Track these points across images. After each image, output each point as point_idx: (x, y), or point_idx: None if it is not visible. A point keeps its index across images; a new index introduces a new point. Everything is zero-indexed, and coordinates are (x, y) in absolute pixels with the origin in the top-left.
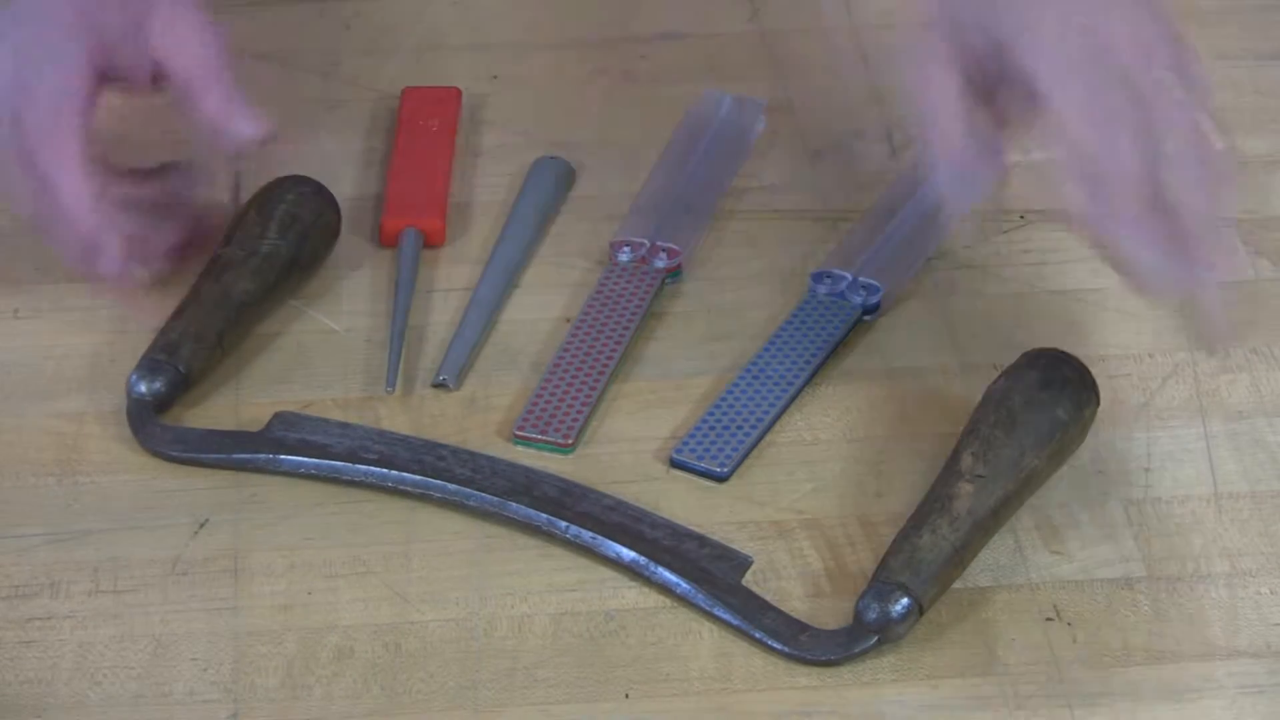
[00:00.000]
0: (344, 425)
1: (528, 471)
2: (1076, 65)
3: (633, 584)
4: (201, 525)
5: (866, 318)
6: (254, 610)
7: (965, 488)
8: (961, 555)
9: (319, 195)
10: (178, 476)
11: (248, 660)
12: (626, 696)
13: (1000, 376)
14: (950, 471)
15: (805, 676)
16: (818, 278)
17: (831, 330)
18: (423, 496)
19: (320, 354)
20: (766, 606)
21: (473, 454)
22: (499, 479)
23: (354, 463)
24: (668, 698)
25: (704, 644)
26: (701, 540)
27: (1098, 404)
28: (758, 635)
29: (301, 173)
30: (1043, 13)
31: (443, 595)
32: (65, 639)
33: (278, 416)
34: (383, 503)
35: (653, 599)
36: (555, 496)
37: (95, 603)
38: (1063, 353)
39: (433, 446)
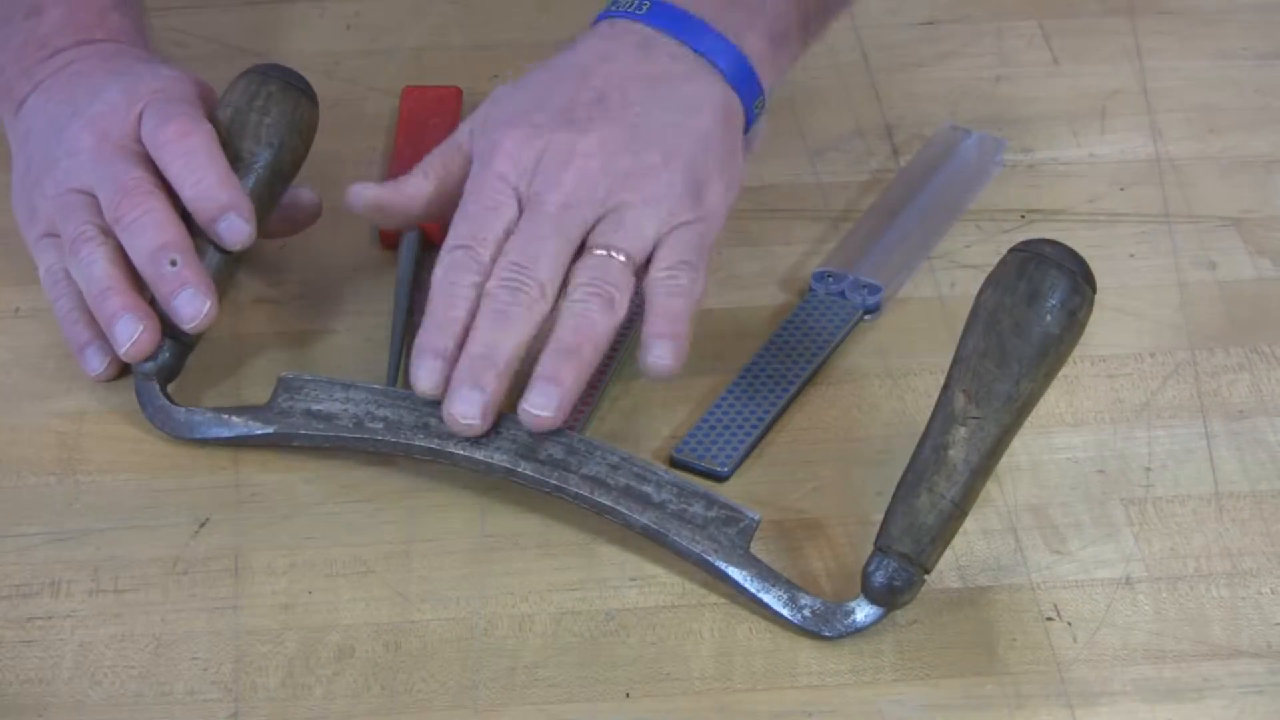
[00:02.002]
0: (347, 387)
1: (530, 431)
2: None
3: (633, 583)
4: (202, 524)
5: (867, 317)
6: (254, 609)
7: (959, 432)
8: (961, 508)
9: (287, 92)
10: (178, 475)
11: (248, 659)
12: (627, 696)
13: (987, 284)
14: (943, 414)
15: (806, 676)
16: (818, 277)
17: (832, 330)
18: (430, 460)
19: (321, 353)
20: (777, 576)
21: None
22: (504, 440)
23: (360, 433)
24: (668, 697)
25: (704, 644)
26: (709, 500)
27: (1093, 294)
28: (767, 601)
29: (302, 173)
30: (509, 134)
31: (443, 594)
32: (66, 638)
33: (282, 382)
34: (384, 501)
35: (653, 598)
36: (561, 458)
37: (96, 602)
38: (1052, 245)
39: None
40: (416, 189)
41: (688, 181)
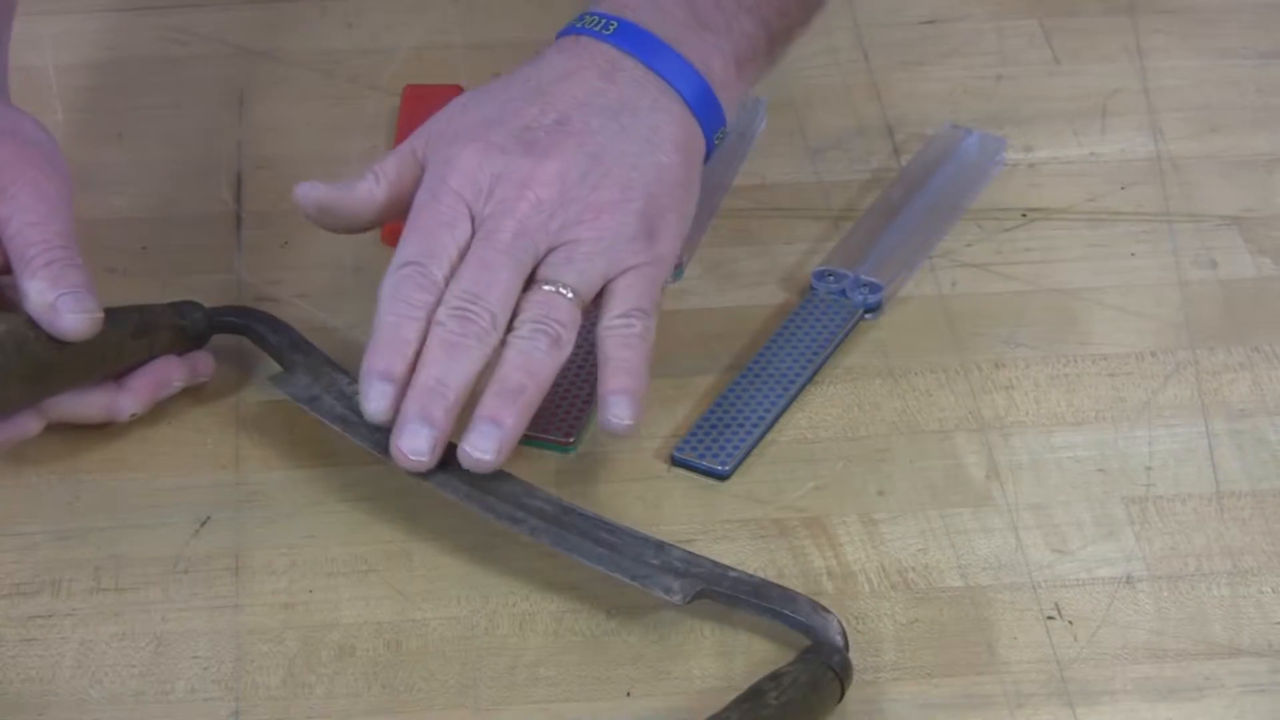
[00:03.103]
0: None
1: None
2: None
3: (634, 581)
4: (203, 523)
5: (868, 316)
6: (255, 608)
7: None
8: None
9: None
10: (179, 474)
11: (249, 658)
12: (628, 695)
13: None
14: None
15: None
16: (819, 276)
17: (833, 329)
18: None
19: None
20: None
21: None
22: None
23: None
24: (669, 696)
25: (705, 642)
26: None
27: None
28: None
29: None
30: (466, 150)
31: (444, 593)
32: (67, 637)
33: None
34: (384, 500)
35: (654, 597)
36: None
37: (97, 601)
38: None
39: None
40: (368, 194)
41: (642, 221)
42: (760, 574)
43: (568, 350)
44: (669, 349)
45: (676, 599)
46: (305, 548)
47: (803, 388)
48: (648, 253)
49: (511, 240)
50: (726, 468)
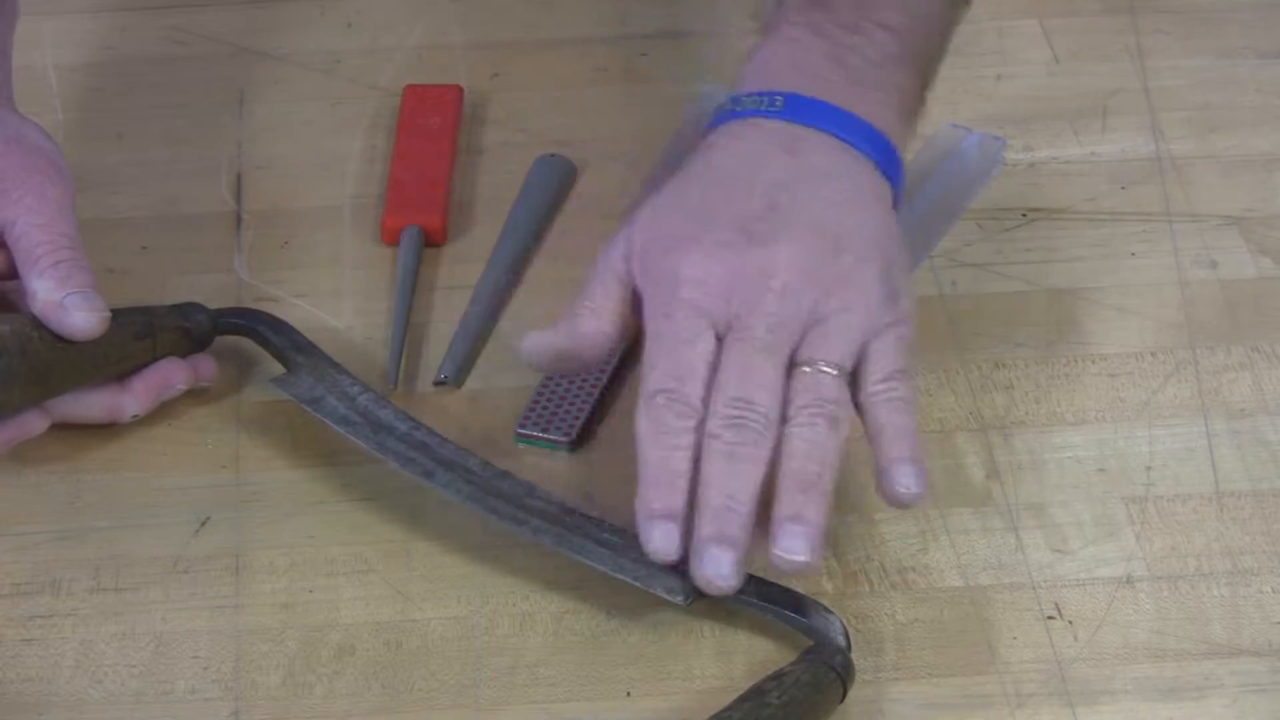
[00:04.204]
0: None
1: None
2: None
3: (634, 581)
4: (203, 523)
5: None
6: (255, 608)
7: None
8: None
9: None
10: (179, 474)
11: (249, 658)
12: (628, 695)
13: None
14: None
15: None
16: None
17: None
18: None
19: None
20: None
21: (465, 457)
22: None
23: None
24: (669, 696)
25: (705, 642)
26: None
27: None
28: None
29: (303, 172)
30: (688, 258)
31: (444, 593)
32: (67, 637)
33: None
34: (384, 500)
35: (654, 597)
36: (556, 515)
37: (97, 600)
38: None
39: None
40: (597, 332)
41: (884, 280)
42: (760, 574)
43: (845, 429)
44: None
45: (679, 599)
46: (305, 548)
47: None
48: (895, 312)
49: (767, 335)
50: None
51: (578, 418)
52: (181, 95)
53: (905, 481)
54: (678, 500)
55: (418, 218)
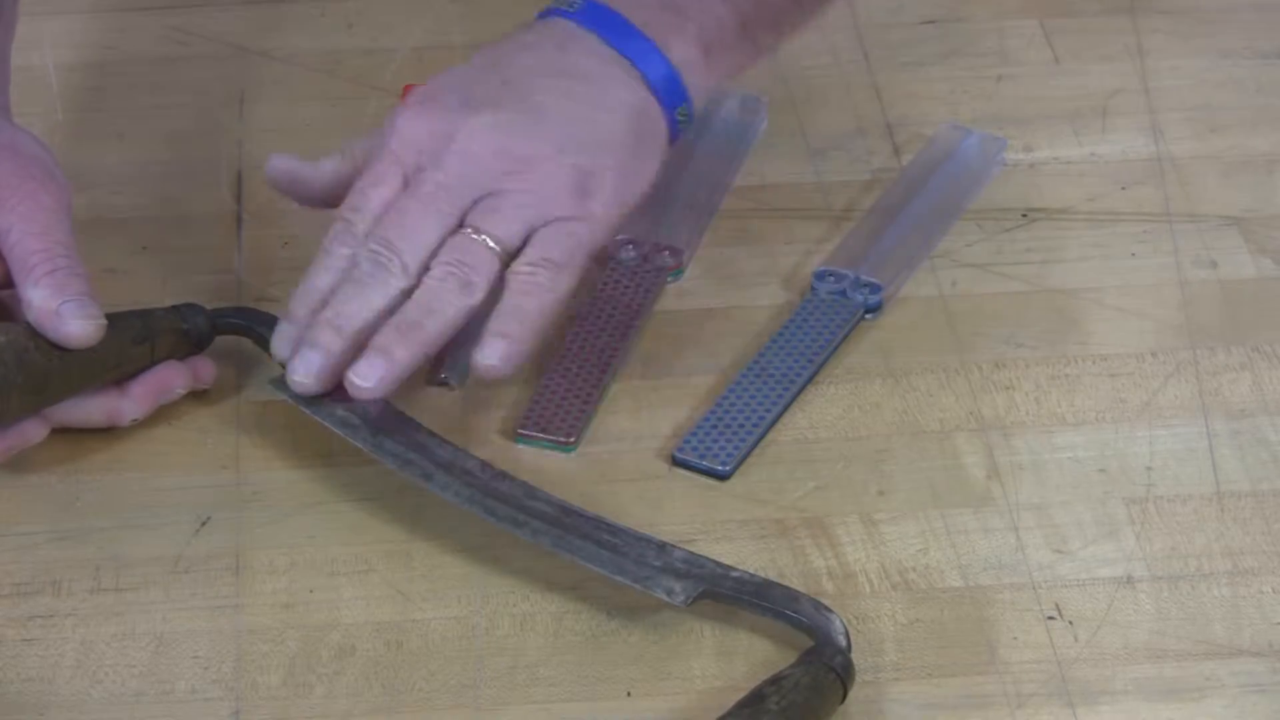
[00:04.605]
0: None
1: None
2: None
3: (635, 581)
4: (203, 523)
5: (868, 316)
6: (256, 608)
7: None
8: None
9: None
10: (179, 474)
11: (249, 658)
12: (628, 695)
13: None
14: None
15: None
16: (820, 276)
17: (833, 329)
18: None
19: None
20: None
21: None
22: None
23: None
24: (669, 696)
25: (705, 642)
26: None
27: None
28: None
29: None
30: (405, 114)
31: (444, 593)
32: (67, 637)
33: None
34: (385, 500)
35: (655, 598)
36: (556, 515)
37: (97, 601)
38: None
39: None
40: (333, 170)
41: (575, 177)
42: (761, 574)
43: (478, 296)
44: (670, 349)
45: (679, 600)
46: (305, 548)
47: (803, 388)
48: (577, 208)
49: (434, 190)
50: (727, 468)
51: (578, 418)
52: (181, 95)
53: (487, 352)
54: (301, 309)
55: None
